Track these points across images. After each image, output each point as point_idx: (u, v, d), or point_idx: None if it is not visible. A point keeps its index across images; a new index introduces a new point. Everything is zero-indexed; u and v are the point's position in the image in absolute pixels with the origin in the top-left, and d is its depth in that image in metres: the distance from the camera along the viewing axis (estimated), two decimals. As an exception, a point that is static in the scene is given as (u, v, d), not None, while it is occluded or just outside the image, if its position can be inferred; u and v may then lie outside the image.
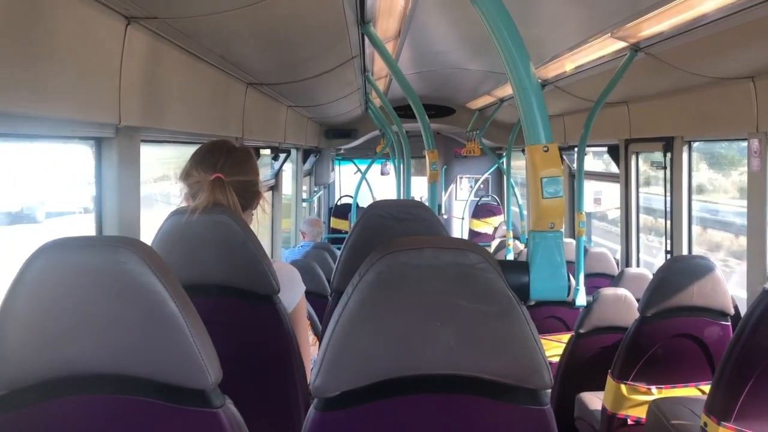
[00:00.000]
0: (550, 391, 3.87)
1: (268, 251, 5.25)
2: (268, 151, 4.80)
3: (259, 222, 2.01)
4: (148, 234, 2.18)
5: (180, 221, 1.74)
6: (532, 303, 3.97)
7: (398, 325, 1.14)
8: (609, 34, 2.94)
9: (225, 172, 1.80)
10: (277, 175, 5.16)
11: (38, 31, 1.42)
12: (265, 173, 5.16)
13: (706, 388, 2.68)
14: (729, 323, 2.85)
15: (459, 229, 10.19)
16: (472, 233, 9.72)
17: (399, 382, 1.17)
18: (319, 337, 3.17)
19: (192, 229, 1.73)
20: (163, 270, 1.15)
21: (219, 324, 1.82)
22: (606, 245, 5.13)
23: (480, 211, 9.82)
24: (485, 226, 9.63)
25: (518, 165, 8.79)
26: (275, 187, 5.19)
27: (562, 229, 1.15)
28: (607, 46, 3.21)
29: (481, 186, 10.20)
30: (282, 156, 5.03)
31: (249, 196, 1.89)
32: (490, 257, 1.15)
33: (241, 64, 2.87)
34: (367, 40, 2.93)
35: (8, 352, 1.13)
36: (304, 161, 6.99)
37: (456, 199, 10.56)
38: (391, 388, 1.17)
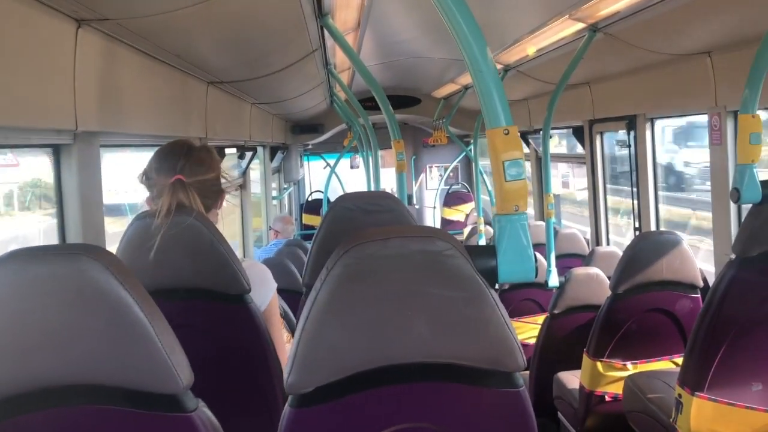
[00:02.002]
0: (527, 373, 3.91)
1: (239, 251, 5.20)
2: (233, 150, 4.76)
3: (227, 221, 1.98)
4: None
5: (144, 226, 1.71)
6: (506, 287, 4.00)
7: (369, 316, 1.13)
8: (567, 16, 2.96)
9: (185, 173, 1.77)
10: (245, 173, 5.12)
11: (-17, 38, 1.38)
12: (232, 173, 5.12)
13: (680, 360, 2.72)
14: (699, 295, 2.90)
15: (431, 219, 10.22)
16: (445, 221, 9.76)
17: (373, 373, 1.16)
18: (293, 334, 3.16)
19: (157, 233, 1.70)
20: (126, 276, 1.13)
21: (190, 327, 1.80)
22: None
23: (451, 200, 9.87)
24: (457, 214, 9.68)
25: (486, 151, 8.85)
26: (243, 186, 5.15)
27: (527, 211, 1.15)
28: (566, 28, 3.24)
29: (451, 174, 10.25)
30: (248, 154, 4.99)
31: (212, 195, 1.86)
32: (457, 243, 1.15)
33: (199, 63, 2.83)
34: (327, 33, 2.91)
35: None
36: (272, 158, 6.95)
37: (427, 189, 10.59)
38: (366, 381, 1.17)
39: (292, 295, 3.84)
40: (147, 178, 1.79)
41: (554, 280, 4.01)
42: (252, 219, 5.40)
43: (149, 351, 1.13)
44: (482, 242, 5.92)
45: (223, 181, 1.93)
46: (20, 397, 1.14)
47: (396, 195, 2.54)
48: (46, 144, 1.88)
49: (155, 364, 1.13)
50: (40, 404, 1.15)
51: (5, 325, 1.10)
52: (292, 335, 3.11)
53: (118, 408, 1.16)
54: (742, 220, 3.05)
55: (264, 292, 1.97)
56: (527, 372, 3.85)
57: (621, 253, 3.08)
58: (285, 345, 2.19)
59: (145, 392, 1.16)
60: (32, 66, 1.59)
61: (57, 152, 1.93)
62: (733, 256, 1.98)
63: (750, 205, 1.97)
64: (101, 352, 1.13)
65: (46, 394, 1.15)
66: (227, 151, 4.43)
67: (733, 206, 3.13)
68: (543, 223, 4.39)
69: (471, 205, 9.34)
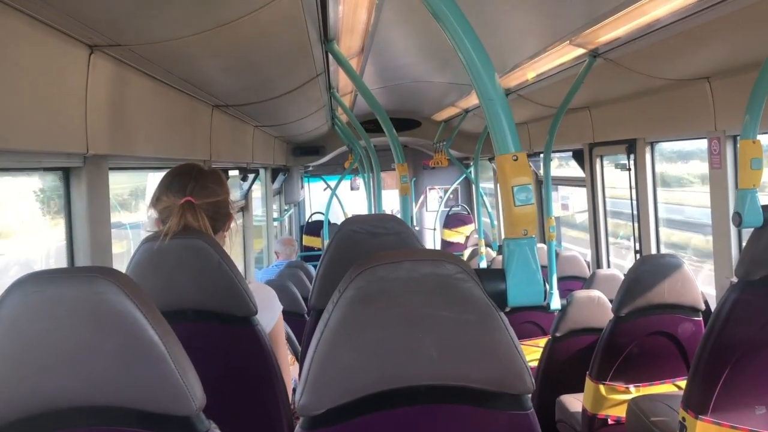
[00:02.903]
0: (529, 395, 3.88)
1: (241, 272, 5.21)
2: (236, 172, 4.79)
3: (232, 243, 2.00)
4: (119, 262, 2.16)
5: (153, 247, 1.72)
6: (508, 310, 4.00)
7: (380, 338, 1.15)
8: (568, 42, 3.01)
9: (195, 195, 1.79)
10: (247, 195, 5.15)
11: None
12: (234, 195, 5.14)
13: (683, 383, 2.72)
14: (701, 318, 2.91)
15: (431, 240, 10.24)
16: (445, 243, 9.78)
17: (384, 395, 1.17)
18: (297, 356, 3.16)
19: (165, 255, 1.72)
20: (142, 298, 1.14)
21: (198, 349, 1.81)
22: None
23: (451, 221, 9.90)
24: (457, 236, 9.70)
25: (486, 175, 8.88)
26: (245, 208, 5.17)
27: (535, 235, 1.17)
28: (566, 53, 3.28)
29: (451, 196, 10.29)
30: (251, 176, 5.02)
31: (220, 218, 1.88)
32: (467, 266, 1.16)
33: (206, 87, 2.87)
34: (331, 58, 2.95)
35: None
36: (273, 180, 6.98)
37: (427, 210, 10.62)
38: (377, 403, 1.18)
39: (294, 317, 3.85)
40: (157, 199, 1.81)
41: (556, 303, 4.02)
42: (254, 241, 5.42)
43: (164, 373, 1.14)
44: (483, 264, 5.92)
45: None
46: (35, 418, 1.14)
47: (399, 217, 2.56)
48: (57, 168, 1.90)
49: (169, 385, 1.14)
50: (55, 426, 1.15)
51: (22, 346, 1.12)
52: (295, 357, 3.12)
53: (132, 429, 1.17)
54: (743, 243, 3.07)
55: (270, 314, 1.98)
56: (529, 395, 3.84)
57: (622, 276, 3.09)
58: (290, 367, 2.19)
59: (159, 414, 1.17)
60: (45, 90, 1.62)
61: (67, 175, 1.96)
62: (734, 279, 2.00)
63: (751, 230, 1.99)
64: (116, 374, 1.14)
65: (60, 415, 1.15)
66: (230, 173, 4.46)
67: (733, 230, 3.15)
68: (545, 246, 4.41)
69: (471, 227, 9.36)
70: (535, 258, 1.16)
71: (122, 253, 2.70)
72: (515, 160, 1.14)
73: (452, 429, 1.20)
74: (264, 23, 2.09)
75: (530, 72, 3.84)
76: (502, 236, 1.23)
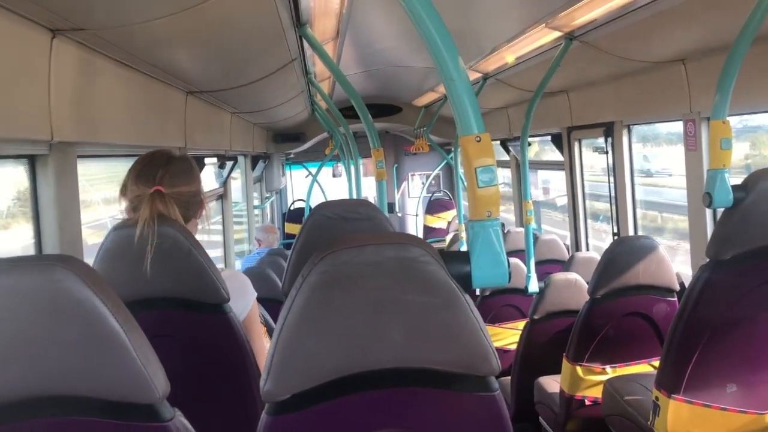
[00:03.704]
0: (509, 378, 3.91)
1: (221, 261, 5.18)
2: (214, 160, 4.75)
3: (211, 232, 1.98)
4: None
5: (122, 236, 1.70)
6: (487, 293, 4.00)
7: (344, 323, 1.14)
8: (544, 25, 3.00)
9: (165, 183, 1.77)
10: (225, 183, 5.11)
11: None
12: (213, 182, 5.10)
13: (657, 363, 2.75)
14: (675, 299, 2.93)
15: (413, 226, 10.25)
16: (427, 229, 9.79)
17: (349, 380, 1.17)
18: (276, 342, 3.14)
19: (135, 244, 1.70)
20: (101, 286, 1.13)
21: (170, 337, 1.80)
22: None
23: (433, 207, 9.91)
24: (439, 221, 9.72)
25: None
26: (224, 196, 5.13)
27: (499, 217, 1.17)
28: (543, 36, 3.28)
29: (433, 182, 10.29)
30: (229, 164, 4.98)
31: (191, 206, 1.86)
32: (432, 249, 1.16)
33: (178, 73, 2.83)
34: (306, 42, 2.92)
35: None
36: (253, 168, 6.93)
37: (409, 197, 10.62)
38: (342, 387, 1.17)
39: (274, 304, 3.83)
40: (126, 188, 1.79)
41: (534, 286, 4.04)
42: (233, 229, 5.39)
43: (124, 361, 1.12)
44: (464, 249, 5.94)
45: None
46: None
47: (376, 203, 2.55)
48: (22, 155, 1.87)
49: (131, 374, 1.13)
50: (12, 417, 1.14)
51: None
52: (274, 344, 3.11)
53: (92, 419, 1.16)
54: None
55: (243, 302, 1.96)
56: (509, 378, 3.87)
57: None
58: (266, 354, 2.18)
59: (121, 402, 1.15)
60: (6, 76, 1.59)
61: (32, 163, 1.92)
62: (707, 260, 2.01)
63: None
64: (76, 363, 1.12)
65: (19, 406, 1.14)
66: (207, 161, 4.42)
67: (708, 211, 3.18)
68: (523, 230, 4.43)
69: (453, 213, 9.38)
70: (499, 240, 1.16)
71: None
72: (478, 141, 1.13)
73: (418, 412, 1.20)
74: (233, 6, 2.06)
75: (508, 55, 3.83)
76: None
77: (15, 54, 1.62)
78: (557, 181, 6.90)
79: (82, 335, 1.11)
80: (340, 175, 9.69)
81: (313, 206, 7.89)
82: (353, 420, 1.20)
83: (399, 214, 10.49)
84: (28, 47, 1.68)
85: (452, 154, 7.02)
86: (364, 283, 1.13)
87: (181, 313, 1.80)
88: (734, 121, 3.89)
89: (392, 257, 1.13)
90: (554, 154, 5.33)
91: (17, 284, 1.09)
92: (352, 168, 5.00)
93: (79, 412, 1.15)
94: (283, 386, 1.16)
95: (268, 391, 1.15)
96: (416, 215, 10.23)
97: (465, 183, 7.61)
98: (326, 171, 9.44)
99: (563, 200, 6.12)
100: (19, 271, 1.10)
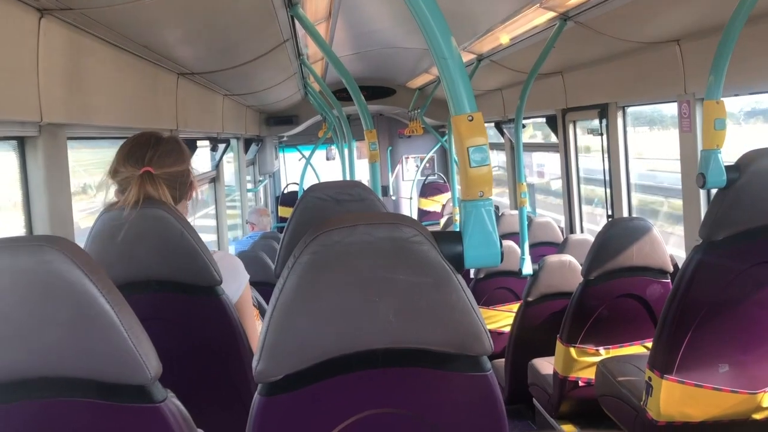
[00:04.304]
0: (503, 360, 3.92)
1: (214, 244, 5.16)
2: (206, 143, 4.72)
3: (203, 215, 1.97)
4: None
5: (112, 218, 1.69)
6: (481, 276, 3.99)
7: (336, 303, 1.14)
8: (538, 5, 2.98)
9: (154, 164, 1.75)
10: (218, 166, 5.08)
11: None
12: (206, 165, 5.08)
13: (651, 344, 2.76)
14: (669, 280, 2.94)
15: (408, 209, 10.24)
16: (421, 212, 9.79)
17: (342, 360, 1.17)
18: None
19: (125, 226, 1.69)
20: (91, 266, 1.12)
21: (162, 319, 1.79)
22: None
23: (427, 190, 9.90)
24: (433, 204, 9.71)
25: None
26: (217, 179, 5.11)
27: (492, 197, 1.16)
28: (537, 17, 3.25)
29: (427, 165, 10.27)
30: (221, 146, 4.95)
31: (181, 187, 1.84)
32: (424, 230, 1.15)
33: (169, 54, 2.80)
34: (298, 23, 2.89)
35: None
36: (246, 150, 6.90)
37: (403, 180, 10.61)
38: (335, 367, 1.17)
39: (267, 288, 3.82)
40: (115, 170, 1.77)
41: (528, 268, 4.04)
42: (226, 212, 5.38)
43: (116, 342, 1.12)
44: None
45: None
46: None
47: (369, 185, 2.54)
48: (10, 137, 1.85)
49: (122, 355, 1.13)
50: (4, 398, 1.13)
51: None
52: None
53: (85, 400, 1.15)
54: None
55: (236, 284, 1.96)
56: (502, 360, 3.89)
57: (594, 241, 3.10)
58: (258, 336, 2.18)
59: (113, 384, 1.15)
60: (-7, 56, 1.57)
61: (22, 145, 1.90)
62: (700, 241, 2.01)
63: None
64: (67, 344, 1.12)
65: (10, 387, 1.13)
66: (199, 143, 4.40)
67: (703, 192, 3.18)
68: (517, 212, 4.42)
69: (447, 196, 9.38)
70: (492, 220, 1.15)
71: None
72: (470, 120, 1.12)
73: (411, 391, 1.20)
74: (223, -14, 2.04)
75: (503, 36, 3.80)
76: None
77: (2, 35, 1.59)
78: (551, 164, 6.89)
79: (72, 316, 1.10)
80: (334, 158, 9.66)
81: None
82: (346, 400, 1.20)
83: (393, 198, 10.48)
84: (16, 27, 1.66)
85: (446, 137, 7.00)
86: (355, 262, 1.12)
87: (173, 295, 1.79)
88: (744, 103, 3.86)
89: (384, 237, 1.13)
90: (552, 138, 5.31)
91: (5, 265, 1.08)
92: (346, 151, 4.98)
93: (70, 393, 1.15)
94: (276, 367, 1.15)
95: (261, 371, 1.15)
96: (410, 198, 10.22)
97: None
98: (319, 154, 9.41)
99: (557, 184, 6.12)
100: (6, 251, 1.09)
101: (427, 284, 1.13)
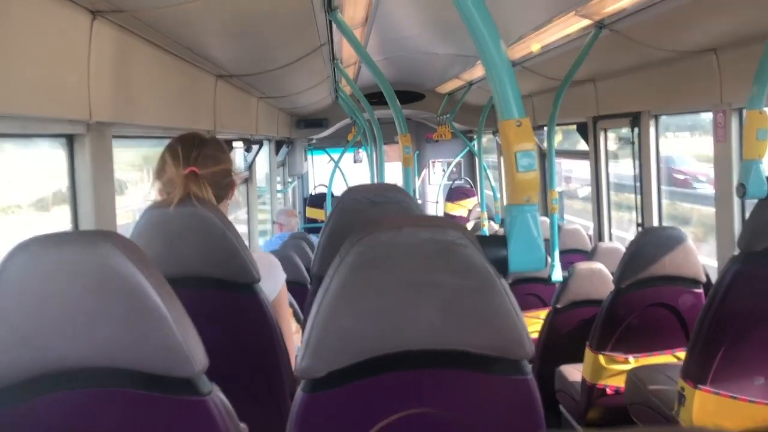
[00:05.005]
0: (530, 366, 3.92)
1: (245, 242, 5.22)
2: (240, 143, 4.79)
3: (236, 215, 2.01)
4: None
5: (156, 215, 1.73)
6: (509, 282, 4.00)
7: (381, 303, 1.16)
8: (573, 12, 2.98)
9: (198, 165, 1.79)
10: (251, 167, 5.14)
11: (1, 29, 1.40)
12: (238, 165, 5.15)
13: (682, 354, 2.74)
14: (701, 291, 2.92)
15: (434, 213, 10.24)
16: (447, 216, 9.78)
17: (384, 359, 1.19)
18: (301, 324, 3.18)
19: (169, 223, 1.73)
20: (145, 262, 1.15)
21: (201, 315, 1.81)
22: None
23: (454, 195, 9.89)
24: (459, 209, 9.70)
25: (489, 148, 8.85)
26: (249, 179, 5.17)
27: (537, 203, 1.17)
28: (572, 24, 3.25)
29: (454, 169, 10.27)
30: (255, 148, 5.01)
31: (223, 187, 1.89)
32: (469, 233, 1.17)
33: (209, 56, 2.85)
34: (335, 28, 2.93)
35: None
36: (277, 152, 6.97)
37: (429, 184, 10.61)
38: (377, 366, 1.19)
39: (297, 287, 3.87)
40: (160, 170, 1.82)
41: (557, 275, 4.03)
42: (257, 212, 5.44)
43: (165, 335, 1.15)
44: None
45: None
46: (36, 380, 1.16)
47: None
48: (61, 134, 1.90)
49: (171, 348, 1.16)
50: (56, 387, 1.17)
51: (23, 309, 1.13)
52: (300, 325, 3.15)
53: (132, 390, 1.19)
54: (746, 216, 3.07)
55: (273, 282, 1.99)
56: (530, 366, 3.88)
57: (623, 249, 3.09)
58: (293, 335, 2.21)
59: (161, 376, 1.18)
60: (48, 57, 1.62)
61: (70, 142, 1.96)
62: (737, 252, 2.00)
63: (755, 201, 1.99)
64: (118, 337, 1.15)
65: (61, 376, 1.17)
66: (234, 144, 4.46)
67: (736, 202, 3.15)
68: (547, 219, 4.42)
69: (473, 201, 9.36)
70: (537, 225, 1.17)
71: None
72: (519, 125, 1.14)
73: (451, 393, 1.21)
74: (267, -10, 2.08)
75: (535, 43, 3.80)
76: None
77: (57, 35, 1.65)
78: (580, 171, 6.85)
79: (124, 308, 1.14)
80: (361, 161, 9.70)
81: (334, 192, 7.92)
82: (387, 399, 1.22)
83: (420, 201, 10.49)
84: (70, 28, 1.71)
85: (474, 142, 6.99)
86: (401, 264, 1.15)
87: (213, 292, 1.82)
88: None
89: (429, 239, 1.15)
90: (580, 146, 5.29)
91: (63, 258, 1.12)
92: (374, 154, 5.01)
93: (121, 383, 1.18)
94: (320, 364, 1.18)
95: (304, 367, 1.18)
96: (437, 202, 10.22)
97: (488, 171, 7.56)
98: (348, 157, 9.45)
99: (583, 192, 6.09)
100: (64, 245, 1.13)
101: (471, 287, 1.15)
